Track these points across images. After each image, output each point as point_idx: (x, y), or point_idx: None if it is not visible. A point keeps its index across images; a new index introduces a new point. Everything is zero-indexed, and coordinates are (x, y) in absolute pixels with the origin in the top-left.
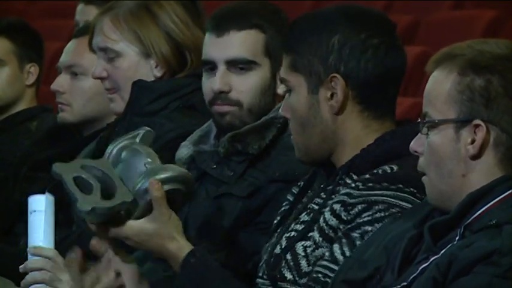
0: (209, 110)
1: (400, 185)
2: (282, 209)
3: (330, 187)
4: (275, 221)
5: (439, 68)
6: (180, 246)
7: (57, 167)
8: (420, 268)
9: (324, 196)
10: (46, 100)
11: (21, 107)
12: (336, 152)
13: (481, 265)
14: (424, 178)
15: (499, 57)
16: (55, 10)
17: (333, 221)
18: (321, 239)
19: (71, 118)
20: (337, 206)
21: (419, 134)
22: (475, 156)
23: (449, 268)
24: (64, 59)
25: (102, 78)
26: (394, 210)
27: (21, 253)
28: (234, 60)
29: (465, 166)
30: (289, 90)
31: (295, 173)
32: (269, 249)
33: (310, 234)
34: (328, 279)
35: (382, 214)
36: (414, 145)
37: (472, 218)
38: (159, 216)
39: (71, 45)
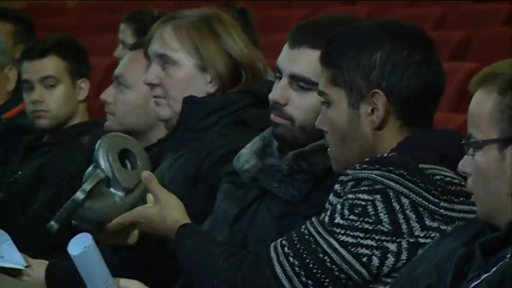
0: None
1: (391, 167)
2: None
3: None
4: None
5: (481, 88)
6: (176, 220)
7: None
8: (472, 286)
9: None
10: (98, 114)
11: (74, 122)
12: None
13: None
14: (473, 197)
15: None
16: (106, 25)
17: (336, 201)
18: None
19: (113, 127)
20: (337, 186)
21: (465, 155)
22: None
23: (501, 286)
24: (116, 70)
25: (153, 85)
26: (377, 187)
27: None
28: (297, 77)
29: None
30: (327, 103)
31: None
32: None
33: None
34: (305, 231)
35: (366, 188)
36: (462, 166)
37: None
38: (156, 198)
39: (125, 57)
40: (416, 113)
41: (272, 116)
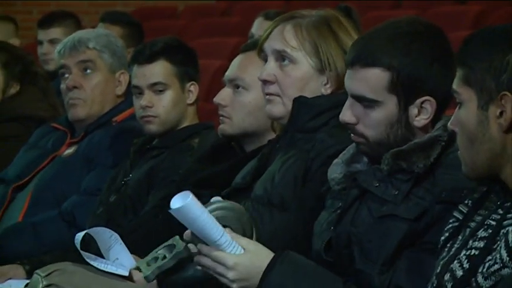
0: None
1: None
2: (450, 225)
3: (508, 204)
4: (442, 237)
5: None
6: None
7: None
8: None
9: (501, 212)
10: (207, 117)
11: (183, 125)
12: (505, 171)
13: None
14: None
15: None
16: (214, 28)
17: None
18: (508, 258)
19: (230, 130)
20: None
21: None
22: None
23: None
24: (229, 72)
25: (268, 82)
26: None
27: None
28: (356, 96)
29: None
30: (459, 103)
31: (462, 194)
32: (441, 262)
33: (495, 253)
34: None
35: None
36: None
37: None
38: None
39: (237, 59)
40: None
41: (351, 135)
